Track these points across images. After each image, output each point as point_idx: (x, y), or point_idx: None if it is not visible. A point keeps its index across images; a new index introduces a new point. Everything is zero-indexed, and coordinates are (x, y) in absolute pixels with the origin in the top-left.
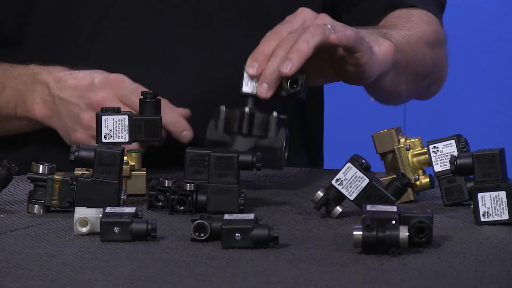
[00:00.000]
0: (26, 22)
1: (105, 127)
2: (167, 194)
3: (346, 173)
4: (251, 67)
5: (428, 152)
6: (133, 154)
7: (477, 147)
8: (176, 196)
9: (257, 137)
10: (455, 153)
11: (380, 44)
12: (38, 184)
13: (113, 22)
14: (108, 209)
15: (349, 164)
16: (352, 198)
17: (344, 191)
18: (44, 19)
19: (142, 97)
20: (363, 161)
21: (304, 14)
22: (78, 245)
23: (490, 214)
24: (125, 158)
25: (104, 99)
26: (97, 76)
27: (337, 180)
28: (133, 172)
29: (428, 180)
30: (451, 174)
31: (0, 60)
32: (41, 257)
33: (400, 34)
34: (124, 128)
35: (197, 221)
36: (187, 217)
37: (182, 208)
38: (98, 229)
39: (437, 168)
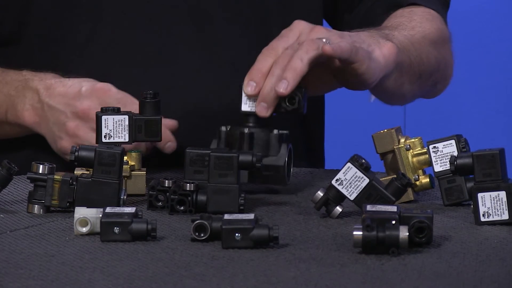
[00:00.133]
0: (24, 22)
1: (105, 127)
2: (167, 194)
3: (346, 173)
4: (248, 86)
5: (428, 152)
6: (133, 154)
7: (477, 147)
8: (176, 196)
9: None
10: (455, 153)
11: (381, 46)
12: (38, 184)
13: (111, 22)
14: (108, 209)
15: (349, 164)
16: (352, 198)
17: (344, 191)
18: (43, 19)
19: (142, 97)
20: (363, 161)
21: (299, 27)
22: (78, 245)
23: (490, 214)
24: (125, 158)
25: (89, 108)
26: (85, 84)
27: (337, 180)
28: (133, 172)
29: (428, 180)
30: (451, 174)
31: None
32: (41, 257)
33: (402, 34)
34: (124, 128)
35: (197, 221)
36: (187, 217)
37: (182, 208)
38: (98, 229)
39: (437, 168)
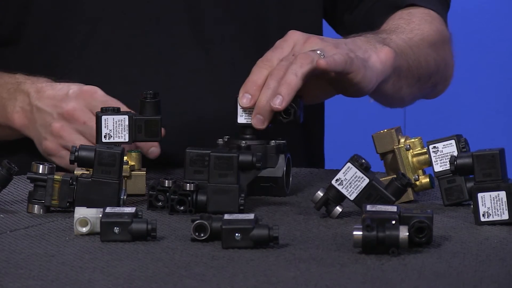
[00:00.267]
0: (24, 22)
1: (105, 127)
2: (167, 194)
3: (346, 173)
4: (244, 99)
5: (428, 152)
6: (133, 154)
7: (477, 147)
8: (176, 196)
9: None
10: (455, 153)
11: (378, 51)
12: (38, 184)
13: (110, 22)
14: (108, 209)
15: (349, 164)
16: (352, 198)
17: (344, 191)
18: (42, 19)
19: (142, 97)
20: (363, 161)
21: (294, 38)
22: (78, 245)
23: (490, 214)
24: (125, 158)
25: (75, 109)
26: (73, 87)
27: (337, 180)
28: (133, 172)
29: (428, 180)
30: (451, 174)
31: None
32: (41, 257)
33: (400, 38)
34: (124, 128)
35: (197, 221)
36: (187, 217)
37: (182, 208)
38: (98, 229)
39: (437, 168)
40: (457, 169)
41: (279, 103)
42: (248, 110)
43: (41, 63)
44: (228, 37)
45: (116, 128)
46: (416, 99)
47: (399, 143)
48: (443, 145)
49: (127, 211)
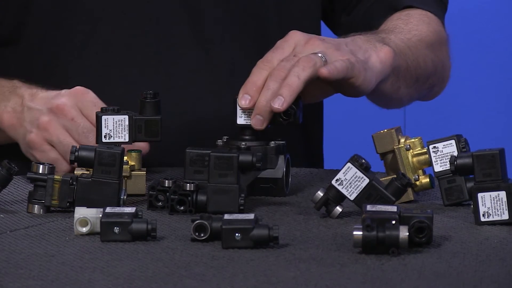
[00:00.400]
0: (24, 22)
1: (105, 127)
2: (167, 194)
3: (346, 173)
4: (243, 99)
5: (428, 152)
6: (133, 154)
7: (477, 147)
8: (176, 196)
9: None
10: (455, 153)
11: (378, 51)
12: (38, 184)
13: (110, 23)
14: (108, 209)
15: (349, 164)
16: (352, 198)
17: (344, 191)
18: (42, 19)
19: (142, 97)
20: (363, 161)
21: (294, 38)
22: (78, 245)
23: (490, 214)
24: (125, 158)
25: (65, 104)
26: (66, 89)
27: (337, 180)
28: (133, 172)
29: (428, 180)
30: (451, 174)
31: None
32: (41, 257)
33: (399, 38)
34: (124, 128)
35: (197, 221)
36: (187, 217)
37: (182, 208)
38: (98, 229)
39: (437, 168)
40: (457, 169)
41: (280, 104)
42: (248, 111)
43: (41, 63)
44: (228, 37)
45: (116, 128)
46: (413, 100)
47: (399, 143)
48: (443, 145)
49: (127, 211)
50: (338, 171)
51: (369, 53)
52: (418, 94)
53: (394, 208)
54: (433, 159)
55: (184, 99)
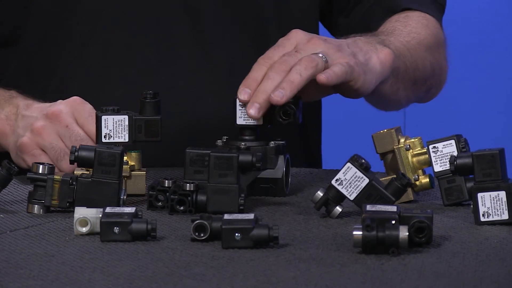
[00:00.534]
0: (24, 23)
1: (105, 127)
2: (167, 194)
3: (346, 173)
4: (243, 93)
5: (428, 152)
6: (133, 154)
7: (477, 147)
8: (176, 196)
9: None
10: (455, 153)
11: (378, 52)
12: (38, 184)
13: (110, 23)
14: (108, 209)
15: (349, 164)
16: (352, 198)
17: (344, 191)
18: (41, 20)
19: (142, 97)
20: (363, 161)
21: (296, 37)
22: (78, 245)
23: (490, 214)
24: (125, 158)
25: (60, 111)
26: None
27: (337, 180)
28: (133, 172)
29: (428, 180)
30: (451, 174)
31: None
32: (41, 257)
33: (398, 40)
34: (124, 128)
35: (197, 221)
36: (187, 217)
37: (182, 208)
38: (98, 229)
39: (437, 168)
40: (457, 169)
41: (280, 96)
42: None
43: (41, 63)
44: (228, 37)
45: (116, 128)
46: (411, 102)
47: (399, 143)
48: (443, 145)
49: (127, 211)
50: (338, 171)
51: (369, 55)
52: (416, 96)
53: (394, 208)
54: (433, 159)
55: (184, 99)
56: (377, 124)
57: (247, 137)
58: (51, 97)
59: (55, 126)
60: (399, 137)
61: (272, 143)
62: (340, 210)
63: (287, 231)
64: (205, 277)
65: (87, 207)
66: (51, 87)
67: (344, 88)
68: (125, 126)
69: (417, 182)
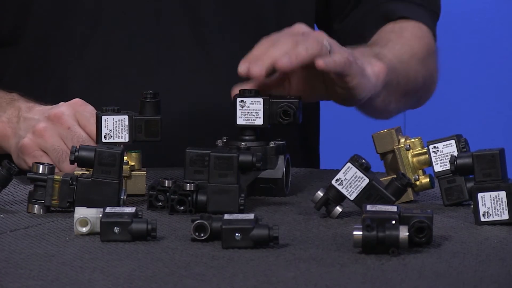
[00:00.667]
0: (24, 23)
1: (105, 127)
2: (167, 194)
3: (346, 173)
4: (243, 66)
5: (428, 152)
6: (133, 154)
7: (477, 147)
8: (176, 196)
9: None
10: (455, 153)
11: (373, 65)
12: (38, 184)
13: (110, 23)
14: (108, 209)
15: (349, 164)
16: (352, 198)
17: (344, 191)
18: (41, 20)
19: (142, 97)
20: (363, 161)
21: (300, 29)
22: (78, 245)
23: (490, 214)
24: (125, 158)
25: (62, 113)
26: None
27: (337, 180)
28: (133, 172)
29: (428, 180)
30: (451, 174)
31: None
32: (41, 257)
33: (392, 53)
34: (124, 128)
35: (197, 221)
36: (187, 217)
37: (182, 208)
38: (98, 229)
39: (437, 168)
40: (457, 169)
41: (286, 62)
42: (247, 112)
43: (41, 63)
44: (228, 37)
45: (116, 128)
46: (400, 112)
47: (399, 143)
48: (443, 145)
49: (127, 211)
50: (338, 171)
51: (364, 66)
52: (406, 107)
53: (394, 208)
54: (433, 159)
55: (184, 99)
56: (377, 124)
57: (247, 137)
58: (51, 97)
59: (57, 128)
60: (399, 137)
61: (272, 143)
62: (340, 210)
63: (287, 231)
64: (205, 277)
65: (87, 207)
66: (51, 87)
67: (340, 84)
68: (125, 126)
69: (417, 182)
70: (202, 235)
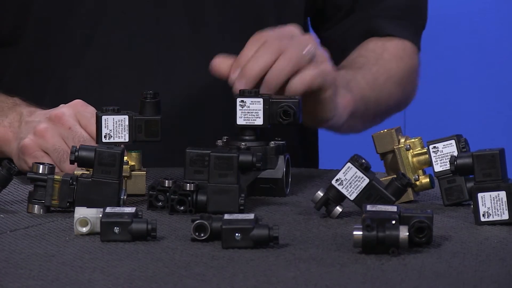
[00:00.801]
0: (24, 23)
1: (105, 127)
2: (167, 194)
3: (346, 173)
4: (234, 72)
5: (428, 152)
6: (133, 154)
7: (477, 147)
8: (176, 196)
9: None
10: (455, 153)
11: (341, 97)
12: (38, 184)
13: (108, 24)
14: (108, 209)
15: (349, 164)
16: (352, 198)
17: (344, 191)
18: (41, 20)
19: (142, 97)
20: (363, 161)
21: (291, 29)
22: (78, 245)
23: (490, 214)
24: (125, 158)
25: (63, 113)
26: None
27: (337, 180)
28: (133, 172)
29: (428, 180)
30: (451, 174)
31: None
32: (41, 257)
33: (365, 79)
34: (124, 128)
35: (197, 221)
36: (187, 217)
37: (182, 208)
38: (98, 229)
39: (437, 168)
40: (457, 169)
41: (262, 89)
42: (248, 112)
43: (41, 63)
44: (228, 37)
45: (116, 128)
46: (368, 128)
47: (399, 143)
48: (443, 145)
49: (127, 211)
50: (338, 171)
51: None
52: (373, 125)
53: (394, 208)
54: (433, 159)
55: (184, 100)
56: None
57: (247, 137)
58: (50, 98)
59: (58, 128)
60: (399, 137)
61: (272, 143)
62: (340, 210)
63: (287, 231)
64: (205, 277)
65: (87, 207)
66: (51, 87)
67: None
68: (125, 126)
69: (417, 182)
70: (202, 235)
